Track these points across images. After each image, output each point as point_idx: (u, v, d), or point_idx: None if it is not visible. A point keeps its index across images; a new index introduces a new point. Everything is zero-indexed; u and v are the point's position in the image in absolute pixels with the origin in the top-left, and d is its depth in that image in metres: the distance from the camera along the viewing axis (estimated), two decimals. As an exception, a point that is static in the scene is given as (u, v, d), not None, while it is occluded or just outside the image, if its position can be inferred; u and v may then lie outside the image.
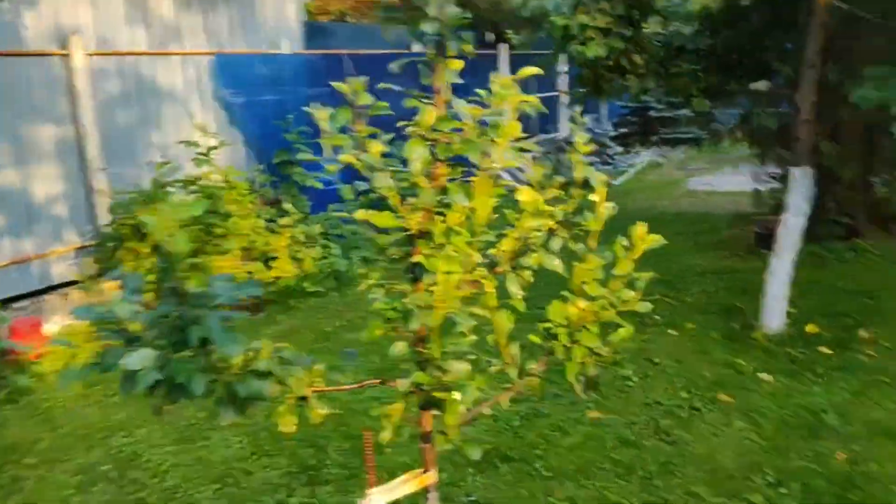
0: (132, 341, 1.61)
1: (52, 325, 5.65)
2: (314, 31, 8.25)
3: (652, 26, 5.06)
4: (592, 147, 2.11)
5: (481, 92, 1.92)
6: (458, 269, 1.75)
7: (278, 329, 5.38)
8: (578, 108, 2.18)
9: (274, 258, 5.96)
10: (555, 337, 2.13)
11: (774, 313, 4.60)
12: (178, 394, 1.61)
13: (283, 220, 5.72)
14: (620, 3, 4.61)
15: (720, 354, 4.42)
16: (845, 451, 3.27)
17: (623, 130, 14.51)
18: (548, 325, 2.13)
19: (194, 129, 6.89)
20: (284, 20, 7.89)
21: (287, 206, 5.91)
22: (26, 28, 5.64)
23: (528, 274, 2.05)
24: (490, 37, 12.29)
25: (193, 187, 5.76)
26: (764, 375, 4.08)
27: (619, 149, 13.68)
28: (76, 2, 5.93)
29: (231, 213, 5.51)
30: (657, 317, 4.93)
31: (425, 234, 1.83)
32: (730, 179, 10.29)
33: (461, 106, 1.84)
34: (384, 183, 1.83)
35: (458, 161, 1.85)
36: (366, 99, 2.07)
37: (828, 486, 3.04)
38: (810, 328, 4.60)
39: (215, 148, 6.00)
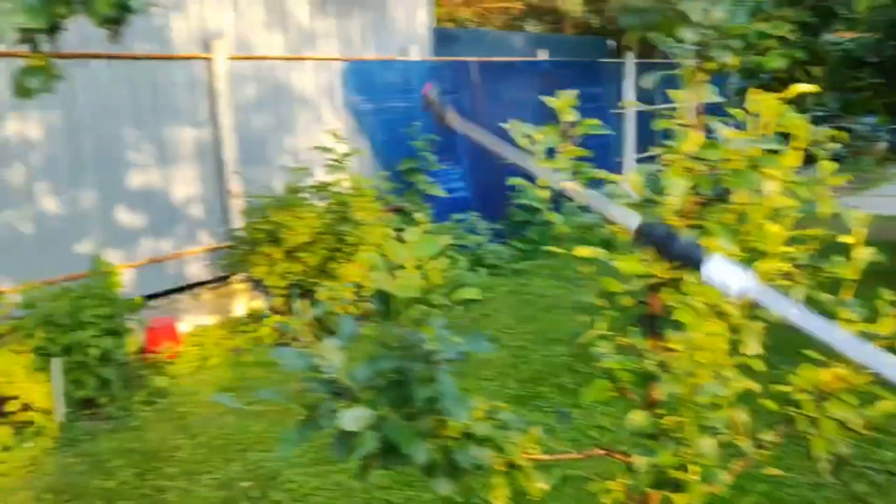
0: (341, 394, 1.40)
1: (184, 325, 5.73)
2: (441, 38, 8.12)
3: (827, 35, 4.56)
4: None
5: (735, 112, 1.63)
6: (720, 328, 1.45)
7: (405, 344, 5.22)
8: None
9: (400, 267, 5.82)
10: (796, 404, 1.81)
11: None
12: (394, 459, 1.40)
13: (410, 232, 5.58)
14: (804, 9, 4.17)
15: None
16: None
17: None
18: (787, 388, 1.81)
19: (325, 135, 6.90)
20: (414, 27, 7.79)
21: (417, 215, 5.74)
22: (173, 31, 5.75)
23: (761, 326, 1.74)
24: (612, 44, 11.86)
25: (325, 193, 5.69)
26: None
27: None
28: (220, 6, 6.01)
29: (363, 222, 5.40)
30: None
31: (672, 282, 1.55)
32: (879, 202, 9.42)
33: (723, 130, 1.55)
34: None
35: (719, 196, 1.55)
36: (572, 115, 1.80)
37: None
38: None
39: (348, 155, 5.92)
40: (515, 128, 1.75)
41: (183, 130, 5.86)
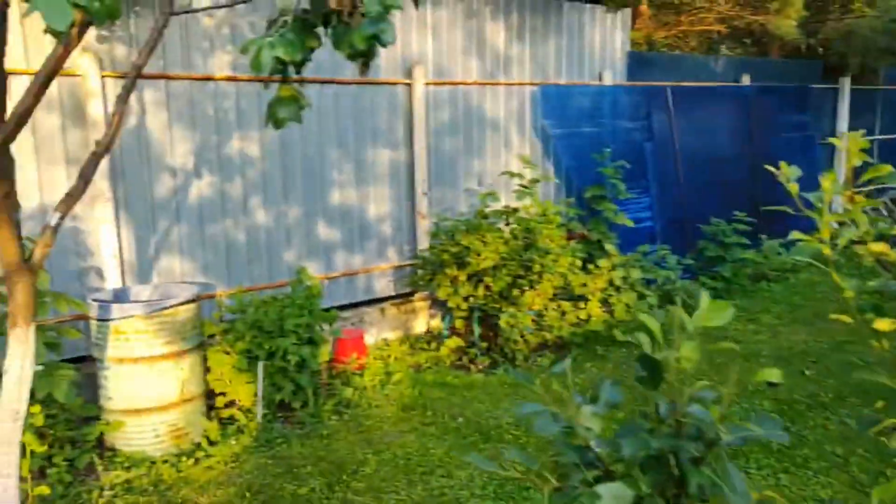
0: (593, 465, 1.29)
1: (370, 338, 5.93)
2: (637, 62, 7.87)
3: None
4: None
5: None
6: None
7: (587, 378, 5.03)
8: None
9: (583, 297, 5.65)
10: None
11: None
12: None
13: (602, 262, 5.39)
14: None
15: None
16: None
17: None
18: None
19: (513, 159, 6.92)
20: (610, 51, 7.62)
21: (608, 246, 5.57)
22: (379, 58, 6.01)
23: None
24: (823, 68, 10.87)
25: (511, 218, 5.66)
26: None
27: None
28: (421, 34, 6.22)
29: (549, 250, 5.30)
30: None
31: None
32: None
33: None
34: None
35: None
36: (860, 159, 1.56)
37: None
38: None
39: (536, 181, 5.86)
40: (783, 171, 1.55)
41: (380, 152, 6.11)
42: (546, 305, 5.48)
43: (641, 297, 5.65)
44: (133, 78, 2.94)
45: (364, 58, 1.99)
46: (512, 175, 5.93)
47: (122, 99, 2.93)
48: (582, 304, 5.63)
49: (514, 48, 6.88)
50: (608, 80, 7.51)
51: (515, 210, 5.73)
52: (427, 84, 6.26)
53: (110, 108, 4.75)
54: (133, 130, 4.88)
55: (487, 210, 5.73)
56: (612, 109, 7.46)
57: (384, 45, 1.93)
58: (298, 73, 2.31)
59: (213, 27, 5.17)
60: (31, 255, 2.71)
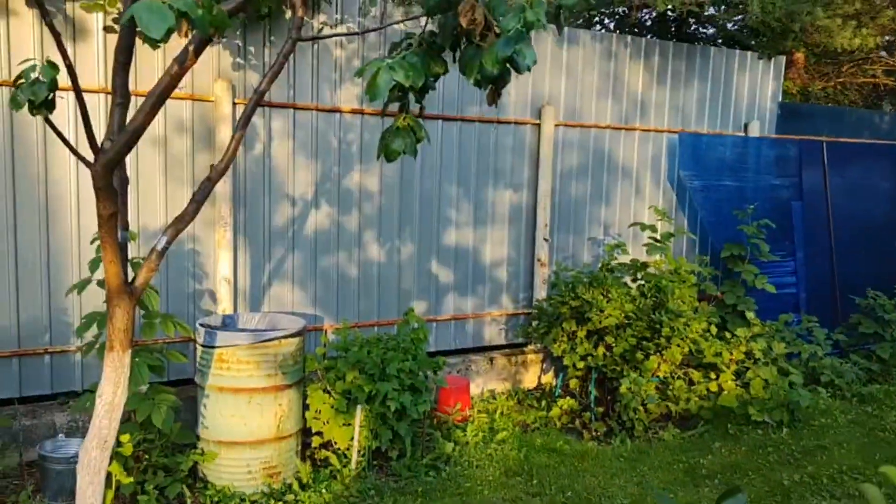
0: None
1: (475, 388, 5.61)
2: (788, 113, 7.21)
3: None
4: None
5: None
6: None
7: (717, 462, 4.44)
8: None
9: (713, 367, 5.06)
10: None
11: None
12: None
13: (741, 330, 4.81)
14: None
15: None
16: None
17: None
18: None
19: (643, 209, 6.45)
20: (759, 100, 7.03)
21: (749, 314, 4.99)
22: (505, 96, 5.80)
23: None
24: None
25: (640, 274, 5.20)
26: None
27: None
28: (554, 72, 5.95)
29: (681, 312, 4.79)
30: None
31: None
32: None
33: None
34: None
35: None
36: None
37: None
38: None
39: (671, 235, 5.38)
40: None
41: (501, 193, 5.85)
42: (672, 373, 4.95)
43: (784, 373, 4.98)
44: (254, 102, 2.83)
45: (494, 84, 1.72)
46: (644, 227, 5.47)
47: (242, 124, 2.83)
48: (712, 375, 5.05)
49: (652, 92, 6.46)
50: (755, 131, 6.91)
51: (645, 265, 5.26)
52: (557, 125, 5.96)
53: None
54: (258, 158, 4.89)
55: (613, 263, 5.30)
56: (757, 163, 6.84)
57: (520, 71, 1.65)
58: (420, 102, 2.08)
59: (343, 59, 5.14)
60: (134, 278, 2.62)
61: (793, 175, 7.03)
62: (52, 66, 1.93)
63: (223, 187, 4.72)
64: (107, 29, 4.37)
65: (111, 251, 2.41)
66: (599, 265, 5.34)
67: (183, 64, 2.12)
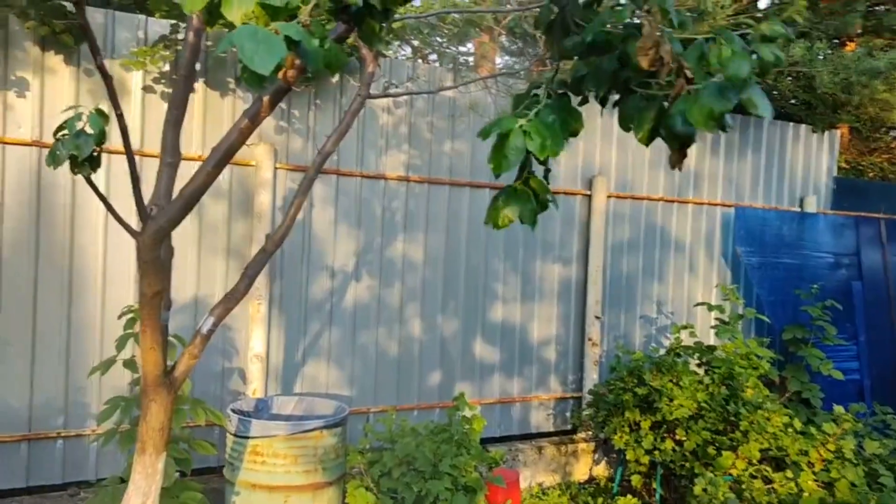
0: None
1: (523, 481, 5.09)
2: (844, 188, 6.88)
3: None
4: None
5: None
6: None
7: (808, 579, 3.90)
8: None
9: (783, 460, 4.54)
10: None
11: None
12: None
13: (828, 426, 4.32)
14: None
15: None
16: None
17: None
18: None
19: (698, 286, 6.06)
20: (814, 174, 6.71)
21: (838, 409, 4.51)
22: (554, 164, 5.50)
23: None
24: None
25: (706, 358, 4.75)
26: None
27: None
28: (606, 142, 5.67)
29: (761, 404, 4.31)
30: None
31: None
32: None
33: None
34: None
35: None
36: None
37: None
38: None
39: (742, 317, 4.96)
40: None
41: (549, 266, 5.48)
42: (746, 470, 4.43)
43: (873, 474, 4.46)
44: (318, 165, 2.51)
45: (685, 144, 1.36)
46: (711, 308, 5.06)
47: (304, 189, 2.50)
48: (789, 473, 4.52)
49: (706, 164, 6.16)
50: (811, 206, 6.56)
51: (712, 348, 4.82)
52: (609, 196, 5.63)
53: (279, 202, 4.47)
54: (297, 226, 4.56)
55: (680, 346, 4.86)
56: (815, 240, 6.46)
57: (724, 129, 1.28)
58: (545, 170, 1.74)
59: (390, 125, 4.87)
60: (173, 367, 2.23)
61: (851, 253, 6.64)
62: (101, 115, 1.60)
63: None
64: (146, 88, 4.13)
65: (152, 336, 2.03)
66: (667, 349, 4.90)
67: (255, 117, 1.79)
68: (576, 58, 1.52)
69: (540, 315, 5.46)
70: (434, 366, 5.04)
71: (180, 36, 4.06)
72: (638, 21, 1.34)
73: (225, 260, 4.34)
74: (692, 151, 6.06)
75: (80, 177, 3.59)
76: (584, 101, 1.57)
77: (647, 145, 1.44)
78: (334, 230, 4.68)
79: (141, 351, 2.06)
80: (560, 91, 1.57)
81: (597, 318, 5.51)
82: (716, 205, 6.18)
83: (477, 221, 5.14)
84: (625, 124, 1.43)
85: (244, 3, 1.21)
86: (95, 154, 1.60)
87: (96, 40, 4.03)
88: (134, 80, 4.11)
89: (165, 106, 3.39)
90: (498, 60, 9.00)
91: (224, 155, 1.81)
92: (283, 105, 4.51)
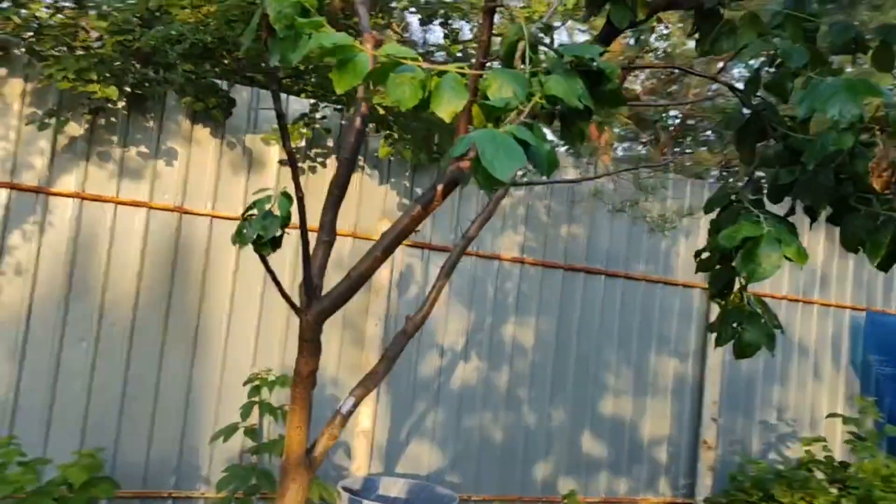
0: None
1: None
2: None
3: None
4: None
5: None
6: None
7: None
8: None
9: None
10: None
11: None
12: None
13: None
14: None
15: None
16: None
17: None
18: None
19: (822, 392, 5.64)
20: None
21: None
22: (675, 256, 5.34)
23: None
24: None
25: (840, 476, 4.35)
26: None
27: None
28: (727, 235, 5.46)
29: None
30: None
31: None
32: None
33: None
34: None
35: None
36: None
37: None
38: None
39: (883, 434, 4.55)
40: None
41: (664, 361, 5.24)
42: None
43: None
44: (462, 248, 2.49)
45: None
46: (847, 420, 4.67)
47: (447, 272, 2.48)
48: None
49: (833, 264, 5.83)
50: (953, 314, 6.05)
51: (845, 465, 4.42)
52: (728, 292, 5.37)
53: (395, 277, 4.50)
54: (412, 301, 4.56)
55: (813, 459, 4.49)
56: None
57: None
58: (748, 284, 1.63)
59: (507, 206, 4.87)
60: (312, 446, 2.19)
61: None
62: (288, 198, 1.63)
63: (374, 330, 4.39)
64: (281, 162, 4.31)
65: (300, 415, 2.01)
66: (798, 462, 4.53)
67: (428, 205, 1.79)
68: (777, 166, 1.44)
69: (652, 411, 5.19)
70: (539, 456, 4.84)
71: (318, 115, 4.24)
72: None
73: (339, 331, 4.37)
74: (818, 248, 5.77)
75: (216, 242, 3.70)
76: (791, 213, 1.48)
77: (885, 271, 1.33)
78: (447, 308, 4.65)
79: (287, 429, 2.05)
80: (753, 197, 1.49)
81: (713, 419, 5.19)
82: (844, 307, 5.80)
83: (590, 307, 5.00)
84: (850, 245, 1.33)
85: (454, 102, 1.22)
86: (278, 235, 1.63)
87: (247, 118, 4.22)
88: (271, 154, 4.30)
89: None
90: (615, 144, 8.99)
91: (393, 241, 1.82)
92: (406, 183, 4.61)
